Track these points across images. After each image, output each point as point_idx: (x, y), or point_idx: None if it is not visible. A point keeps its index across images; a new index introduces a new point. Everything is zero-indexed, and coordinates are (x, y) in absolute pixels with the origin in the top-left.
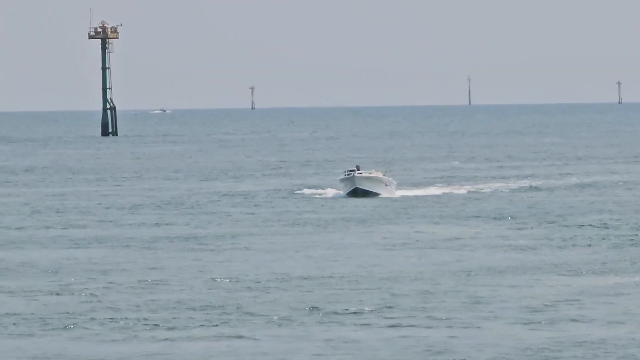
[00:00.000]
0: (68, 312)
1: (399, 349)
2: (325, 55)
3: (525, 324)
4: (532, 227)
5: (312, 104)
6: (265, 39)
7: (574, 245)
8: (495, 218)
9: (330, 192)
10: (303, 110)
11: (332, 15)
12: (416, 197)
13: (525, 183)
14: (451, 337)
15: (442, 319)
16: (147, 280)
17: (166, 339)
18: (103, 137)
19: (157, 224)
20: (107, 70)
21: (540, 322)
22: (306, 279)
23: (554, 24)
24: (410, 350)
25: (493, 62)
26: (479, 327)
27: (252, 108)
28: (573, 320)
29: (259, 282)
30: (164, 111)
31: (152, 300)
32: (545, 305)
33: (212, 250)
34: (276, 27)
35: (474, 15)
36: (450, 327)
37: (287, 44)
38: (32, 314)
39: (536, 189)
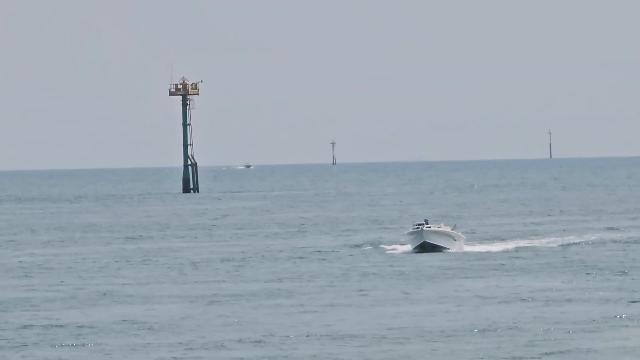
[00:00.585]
0: None
1: None
2: (408, 111)
3: None
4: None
5: (393, 158)
6: (345, 95)
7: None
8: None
9: (399, 247)
10: (383, 166)
11: (410, 70)
12: (486, 252)
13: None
14: None
15: None
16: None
17: None
18: (185, 193)
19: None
20: (187, 126)
21: None
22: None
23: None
24: None
25: (574, 113)
26: None
27: (334, 163)
28: None
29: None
30: (249, 167)
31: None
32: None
33: (283, 306)
34: (357, 80)
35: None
36: None
37: (365, 99)
38: None
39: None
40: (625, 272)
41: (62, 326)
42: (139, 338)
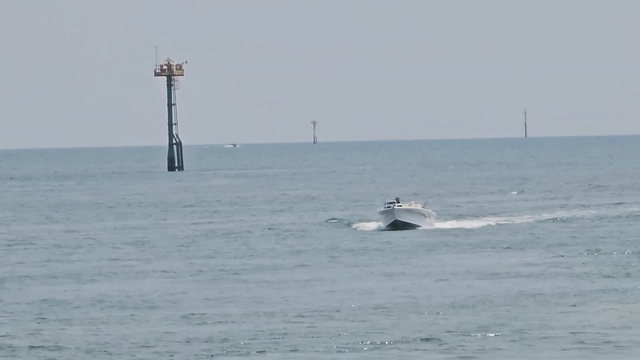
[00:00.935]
0: None
1: None
2: (385, 84)
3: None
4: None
5: (369, 137)
6: (330, 71)
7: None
8: (535, 248)
9: (370, 225)
10: (361, 144)
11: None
12: (457, 228)
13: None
14: None
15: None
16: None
17: None
18: (170, 171)
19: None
20: (172, 106)
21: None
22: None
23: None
24: None
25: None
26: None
27: (314, 142)
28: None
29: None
30: (235, 145)
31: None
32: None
33: (258, 282)
34: (341, 58)
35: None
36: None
37: (348, 75)
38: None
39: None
40: (597, 248)
41: (52, 301)
42: (125, 312)
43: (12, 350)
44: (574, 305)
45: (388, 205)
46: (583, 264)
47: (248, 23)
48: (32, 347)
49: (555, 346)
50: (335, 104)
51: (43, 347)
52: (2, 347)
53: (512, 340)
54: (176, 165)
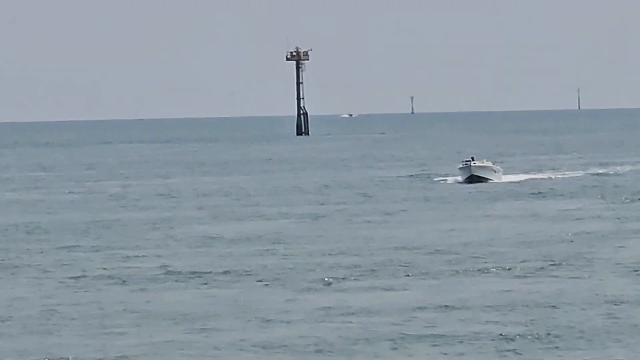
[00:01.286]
0: None
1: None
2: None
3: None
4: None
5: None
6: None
7: None
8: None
9: (450, 179)
10: (463, 115)
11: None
12: (524, 181)
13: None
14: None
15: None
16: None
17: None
18: (297, 136)
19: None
20: (300, 84)
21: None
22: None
23: None
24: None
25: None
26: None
27: (412, 113)
28: None
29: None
30: (351, 115)
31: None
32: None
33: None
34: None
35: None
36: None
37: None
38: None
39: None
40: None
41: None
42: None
43: None
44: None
45: (465, 162)
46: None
47: None
48: None
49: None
50: (433, 79)
51: None
52: None
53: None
54: (303, 131)
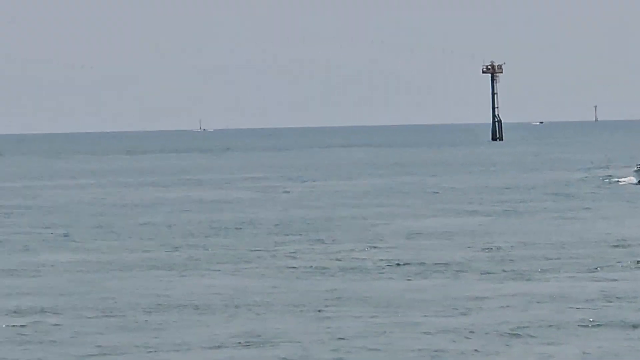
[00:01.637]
0: None
1: None
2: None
3: None
4: None
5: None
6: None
7: None
8: None
9: (627, 180)
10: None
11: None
12: None
13: None
14: None
15: None
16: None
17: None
18: (492, 141)
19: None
20: (495, 94)
21: None
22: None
23: None
24: None
25: None
26: None
27: (595, 120)
28: None
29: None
30: (541, 123)
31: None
32: None
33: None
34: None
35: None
36: None
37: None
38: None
39: None
40: None
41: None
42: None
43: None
44: None
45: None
46: None
47: None
48: None
49: None
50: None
51: None
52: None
53: None
54: (497, 136)
